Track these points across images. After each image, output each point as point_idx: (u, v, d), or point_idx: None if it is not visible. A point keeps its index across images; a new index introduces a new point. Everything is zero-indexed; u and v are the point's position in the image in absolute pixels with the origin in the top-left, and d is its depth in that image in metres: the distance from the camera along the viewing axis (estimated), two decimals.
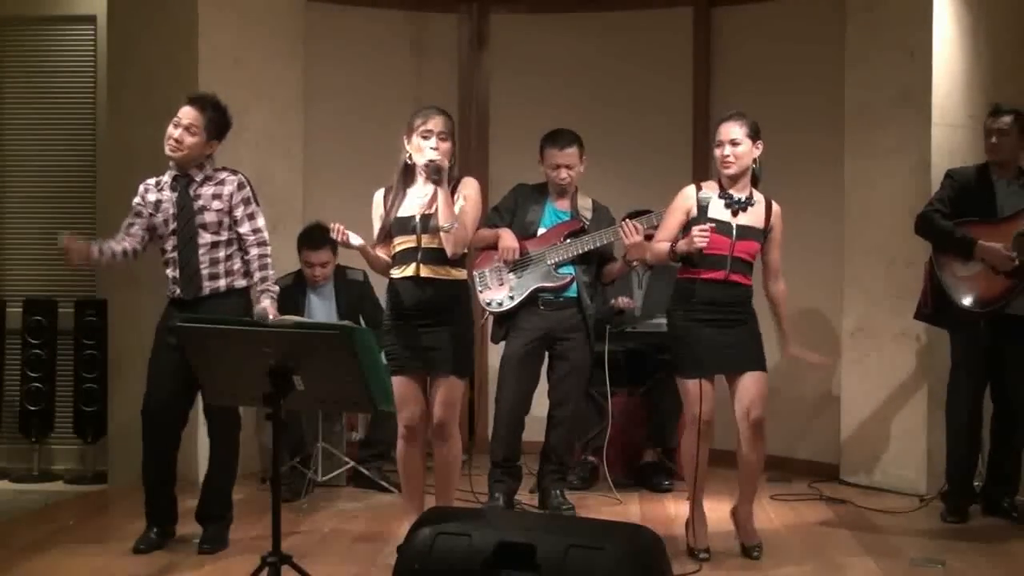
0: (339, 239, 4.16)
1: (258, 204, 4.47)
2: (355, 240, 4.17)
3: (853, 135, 5.79)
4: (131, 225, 4.44)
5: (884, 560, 4.35)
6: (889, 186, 5.42)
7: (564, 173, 5.07)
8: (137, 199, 4.45)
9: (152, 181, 4.46)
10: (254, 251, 4.42)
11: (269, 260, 4.45)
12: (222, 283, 4.38)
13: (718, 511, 5.10)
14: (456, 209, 4.11)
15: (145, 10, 5.80)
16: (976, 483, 5.14)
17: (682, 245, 4.22)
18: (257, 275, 4.42)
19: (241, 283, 4.44)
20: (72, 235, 4.27)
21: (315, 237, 5.61)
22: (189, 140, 4.34)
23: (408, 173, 4.24)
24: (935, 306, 4.98)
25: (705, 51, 6.58)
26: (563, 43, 6.74)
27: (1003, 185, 4.93)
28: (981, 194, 4.93)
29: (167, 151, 4.36)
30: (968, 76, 5.49)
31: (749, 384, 4.26)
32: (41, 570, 4.21)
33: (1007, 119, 4.92)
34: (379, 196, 4.31)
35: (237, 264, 4.43)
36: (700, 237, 4.13)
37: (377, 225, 4.29)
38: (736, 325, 4.27)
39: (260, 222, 4.46)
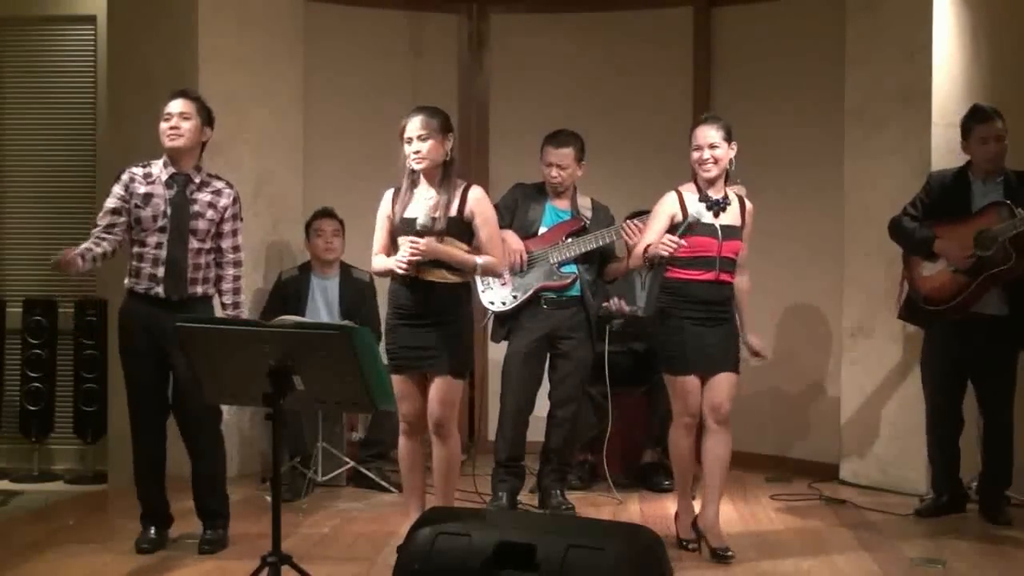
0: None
1: (242, 220, 4.51)
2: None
3: (853, 135, 5.79)
4: (111, 225, 4.33)
5: (884, 560, 4.36)
6: (889, 186, 5.41)
7: (556, 172, 5.08)
8: (121, 192, 4.34)
9: (139, 171, 4.37)
10: (230, 271, 4.44)
11: (243, 283, 4.50)
12: (200, 289, 4.38)
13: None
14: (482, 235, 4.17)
15: (145, 10, 5.79)
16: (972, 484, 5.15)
17: (651, 248, 4.29)
18: (230, 299, 4.45)
19: (211, 291, 4.45)
20: (62, 252, 4.13)
21: (323, 210, 5.76)
22: (186, 126, 4.32)
23: (414, 175, 4.24)
24: (908, 305, 5.10)
25: (705, 51, 6.58)
26: (563, 43, 6.74)
27: (979, 185, 4.93)
28: (957, 195, 4.93)
29: (166, 142, 4.32)
30: (968, 76, 5.49)
31: (723, 383, 4.38)
32: (41, 570, 4.21)
33: (1001, 124, 4.88)
34: (387, 197, 4.29)
35: (212, 273, 4.43)
36: (664, 246, 4.23)
37: (381, 225, 4.27)
38: (720, 324, 4.38)
39: (240, 240, 4.49)
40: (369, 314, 5.65)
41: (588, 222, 5.13)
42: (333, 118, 6.48)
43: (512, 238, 5.07)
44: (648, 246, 4.32)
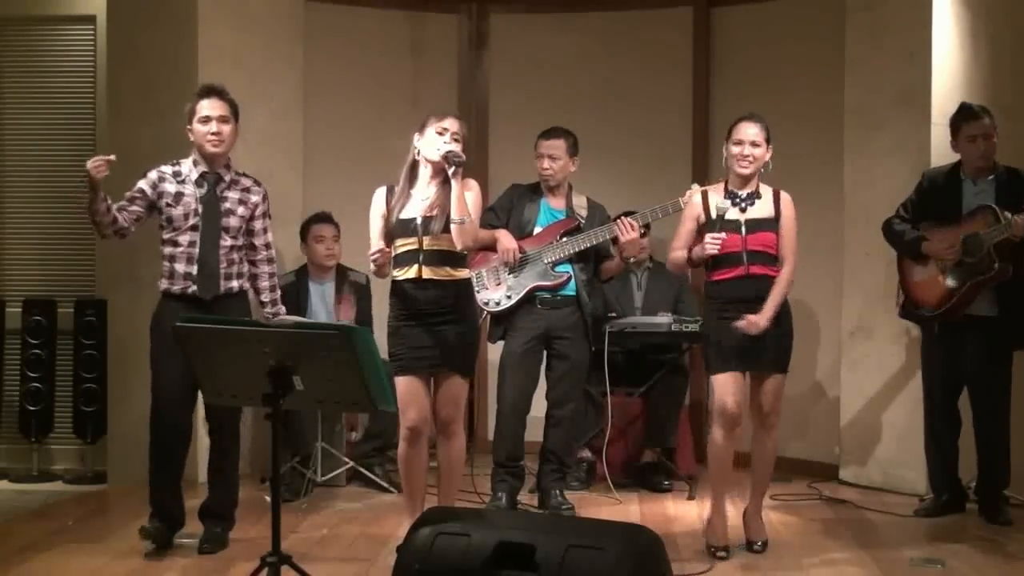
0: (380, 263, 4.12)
1: (271, 218, 4.55)
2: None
3: (853, 135, 5.79)
4: (131, 203, 4.34)
5: (884, 560, 4.35)
6: (889, 186, 5.41)
7: (547, 163, 5.10)
8: (146, 186, 4.35)
9: (169, 170, 4.39)
10: (265, 268, 4.50)
11: (277, 281, 4.57)
12: (235, 284, 4.41)
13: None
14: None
15: (145, 10, 5.80)
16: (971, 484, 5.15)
17: (697, 251, 4.35)
18: (268, 296, 4.50)
19: (247, 286, 4.49)
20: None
21: (320, 215, 5.77)
22: (227, 130, 4.36)
23: (414, 172, 4.25)
24: (907, 304, 5.11)
25: (705, 51, 6.58)
26: (562, 43, 6.74)
27: (969, 184, 4.93)
28: (949, 194, 4.94)
29: (210, 148, 4.33)
30: (968, 76, 5.49)
31: (766, 386, 4.39)
32: (41, 570, 4.21)
33: (989, 121, 4.88)
34: (380, 194, 4.29)
35: (245, 268, 4.48)
36: (710, 245, 4.27)
37: (376, 224, 4.28)
38: None
39: (271, 237, 4.54)
40: (367, 314, 5.65)
41: (583, 221, 5.14)
42: (333, 118, 6.48)
43: (505, 237, 5.08)
44: (691, 249, 4.37)
